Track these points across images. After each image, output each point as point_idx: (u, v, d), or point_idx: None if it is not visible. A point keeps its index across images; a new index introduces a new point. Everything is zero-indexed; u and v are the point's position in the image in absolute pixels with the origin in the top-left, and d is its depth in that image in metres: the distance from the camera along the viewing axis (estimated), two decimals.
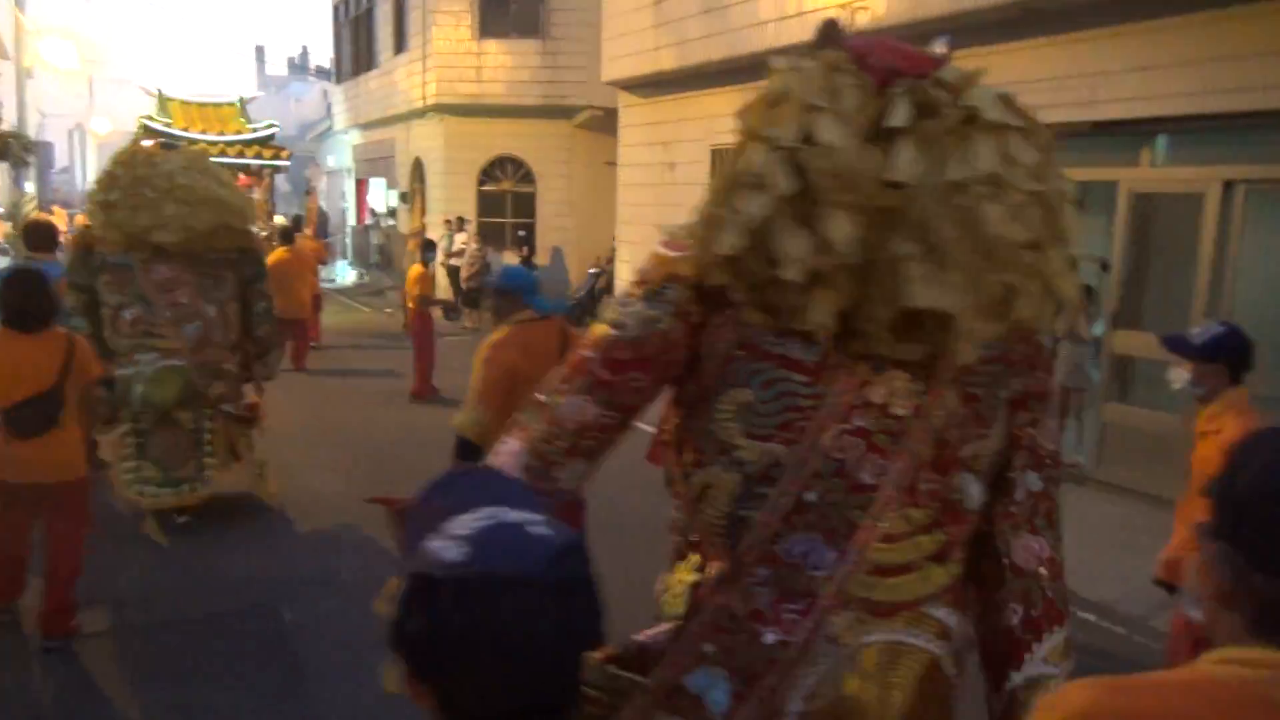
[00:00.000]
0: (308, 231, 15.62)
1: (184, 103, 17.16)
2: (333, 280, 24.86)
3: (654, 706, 1.78)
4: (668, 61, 10.88)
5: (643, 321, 1.82)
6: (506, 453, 1.88)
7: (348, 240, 26.07)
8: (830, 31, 1.84)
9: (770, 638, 1.75)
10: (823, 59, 1.76)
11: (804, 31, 8.03)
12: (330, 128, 27.30)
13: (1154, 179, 6.96)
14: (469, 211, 18.43)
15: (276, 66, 56.49)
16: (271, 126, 16.33)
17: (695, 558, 1.92)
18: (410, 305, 10.49)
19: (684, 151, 11.52)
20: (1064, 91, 7.13)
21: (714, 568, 1.85)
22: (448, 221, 18.13)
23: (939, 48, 1.87)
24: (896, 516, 1.75)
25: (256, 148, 15.99)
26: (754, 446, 1.75)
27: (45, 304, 4.33)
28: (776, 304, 1.70)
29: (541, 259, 18.11)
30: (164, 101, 16.76)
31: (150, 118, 15.59)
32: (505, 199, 18.69)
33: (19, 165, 20.64)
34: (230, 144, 15.79)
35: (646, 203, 12.43)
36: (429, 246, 11.82)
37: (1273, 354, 5.61)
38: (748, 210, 1.68)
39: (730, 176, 1.76)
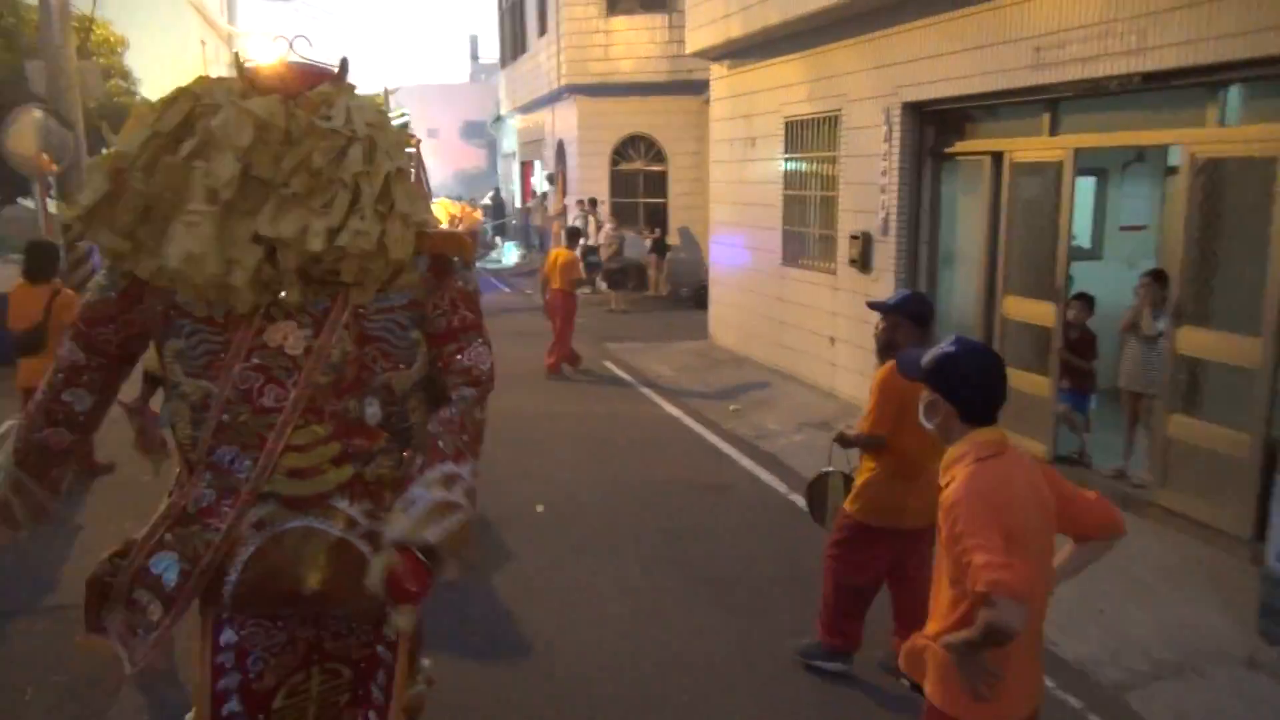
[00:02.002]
0: None
1: None
2: (498, 261, 25.65)
3: (129, 584, 2.38)
4: (736, 29, 10.14)
5: (99, 290, 2.45)
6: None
7: (513, 222, 26.74)
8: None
9: (211, 526, 2.34)
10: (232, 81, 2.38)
11: None
12: (500, 114, 28.02)
13: (1223, 141, 5.62)
14: (602, 192, 18.31)
15: (491, 54, 59.07)
16: (403, 116, 16.82)
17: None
18: (555, 287, 10.66)
19: (761, 125, 10.74)
20: (1107, 39, 5.91)
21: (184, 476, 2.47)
22: (580, 203, 18.09)
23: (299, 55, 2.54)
24: (304, 431, 2.32)
25: None
26: (190, 383, 2.34)
27: (46, 265, 6.41)
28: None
29: (672, 239, 17.73)
30: None
31: None
32: (637, 178, 18.40)
33: None
34: None
35: (733, 180, 11.74)
36: (575, 234, 11.80)
37: None
38: (90, 192, 2.29)
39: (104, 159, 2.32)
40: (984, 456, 2.45)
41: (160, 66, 25.09)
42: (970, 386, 2.50)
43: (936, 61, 7.61)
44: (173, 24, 22.64)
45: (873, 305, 3.93)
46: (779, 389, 10.00)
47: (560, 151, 20.33)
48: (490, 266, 24.70)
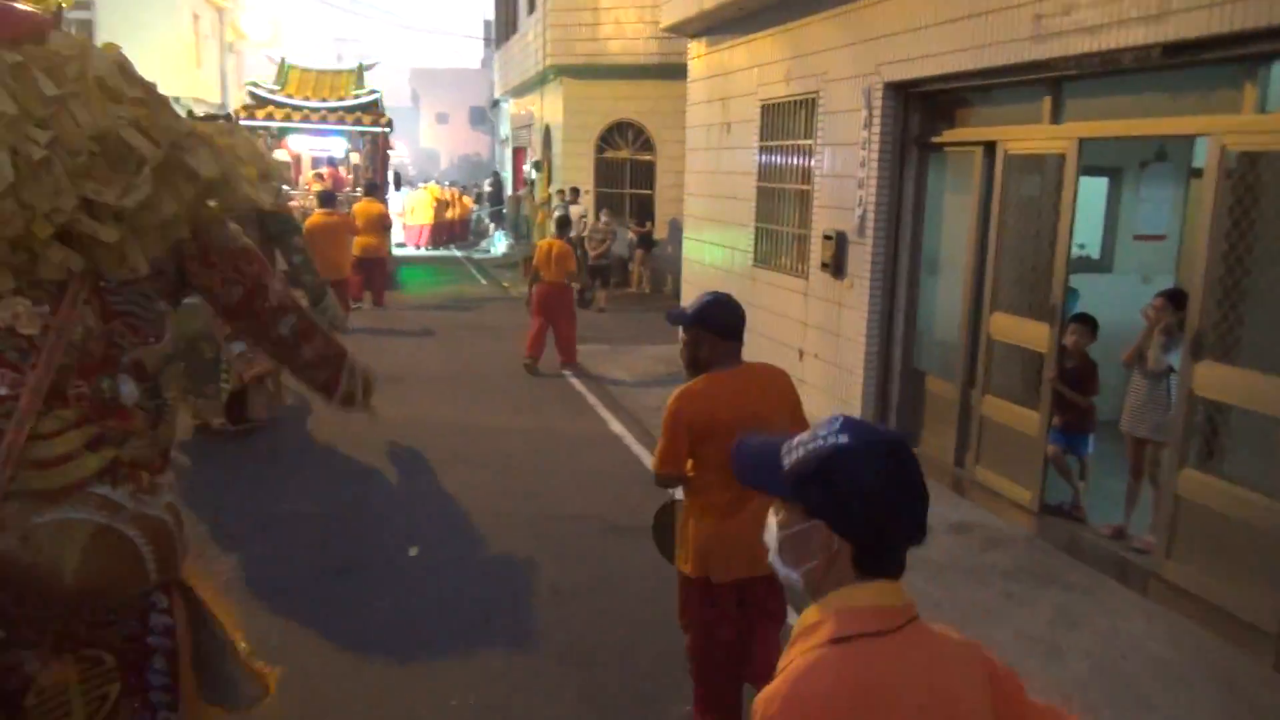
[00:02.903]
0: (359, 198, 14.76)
1: (303, 70, 17.09)
2: (486, 251, 24.63)
3: None
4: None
5: None
6: None
7: (504, 211, 25.69)
8: None
9: None
10: None
11: None
12: (495, 98, 26.97)
13: (1262, 131, 4.47)
14: (587, 181, 17.24)
15: None
16: (373, 93, 15.85)
17: None
18: (549, 279, 10.01)
19: (738, 108, 9.61)
20: (1120, 3, 4.77)
21: None
22: (560, 192, 17.03)
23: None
24: (50, 418, 2.16)
25: (358, 114, 15.55)
26: None
27: None
28: None
29: (660, 232, 16.63)
30: (284, 69, 16.73)
31: (256, 84, 15.54)
32: (624, 167, 17.30)
33: None
34: (332, 110, 15.46)
35: (708, 170, 10.62)
36: (564, 224, 10.93)
37: None
38: None
39: None
40: (848, 636, 1.38)
41: (145, 45, 24.22)
42: (873, 508, 1.43)
43: (922, 34, 6.48)
44: None
45: (670, 318, 3.30)
46: None
47: (547, 137, 19.25)
48: (477, 256, 23.68)
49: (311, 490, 6.33)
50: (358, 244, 13.27)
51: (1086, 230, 7.91)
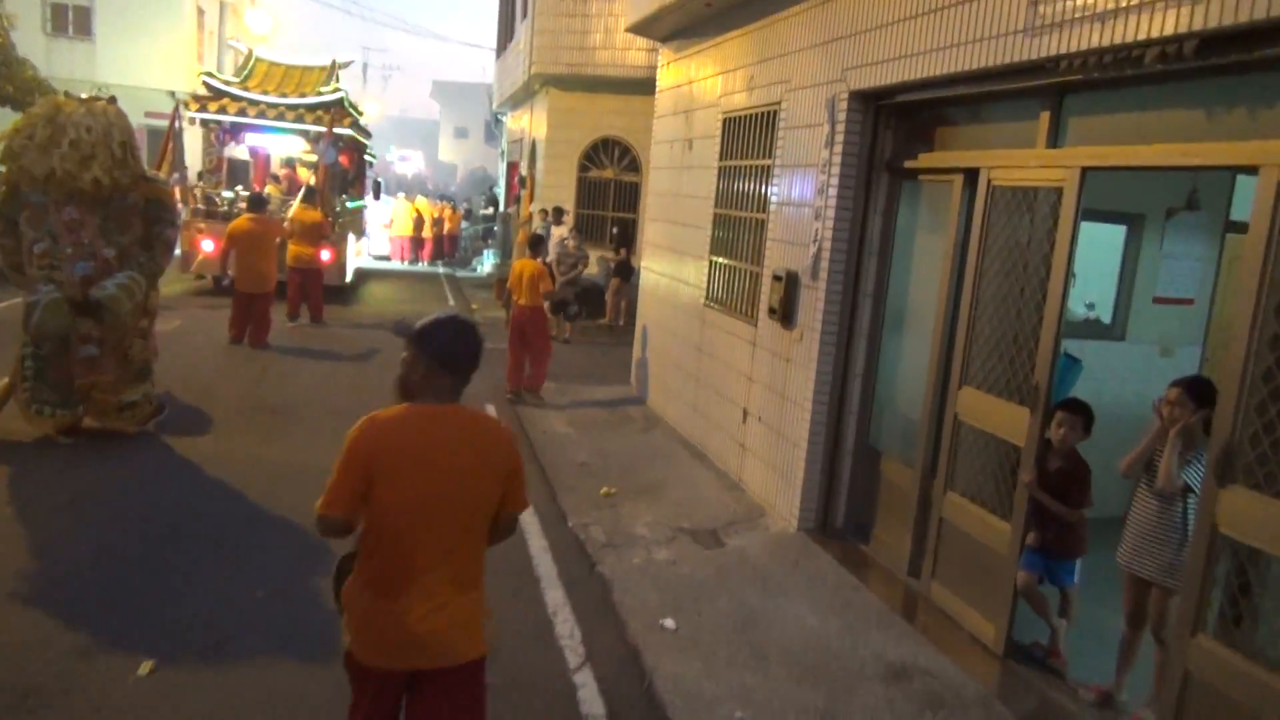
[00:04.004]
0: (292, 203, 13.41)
1: (271, 64, 15.97)
2: (474, 270, 23.44)
3: None
4: None
5: None
6: None
7: (495, 229, 24.50)
8: None
9: None
10: None
11: None
12: (495, 111, 25.85)
13: None
14: (569, 200, 15.97)
15: None
16: (336, 91, 14.67)
17: None
18: (519, 301, 9.31)
19: (700, 122, 8.31)
20: None
21: None
22: (543, 211, 15.76)
23: None
24: None
25: (319, 112, 14.38)
26: None
27: None
28: None
29: (640, 258, 15.29)
30: (251, 61, 15.63)
31: (211, 74, 14.40)
32: (608, 188, 16.03)
33: None
34: (291, 107, 14.29)
35: (669, 191, 9.32)
36: (538, 243, 9.93)
37: None
38: None
39: None
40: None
41: (145, 40, 23.47)
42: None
43: (895, 30, 5.15)
44: None
45: (395, 329, 2.67)
46: (679, 470, 7.51)
47: (534, 153, 18.04)
48: (462, 275, 22.47)
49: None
50: (291, 253, 12.05)
51: (1097, 287, 6.52)
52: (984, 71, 4.48)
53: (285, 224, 11.60)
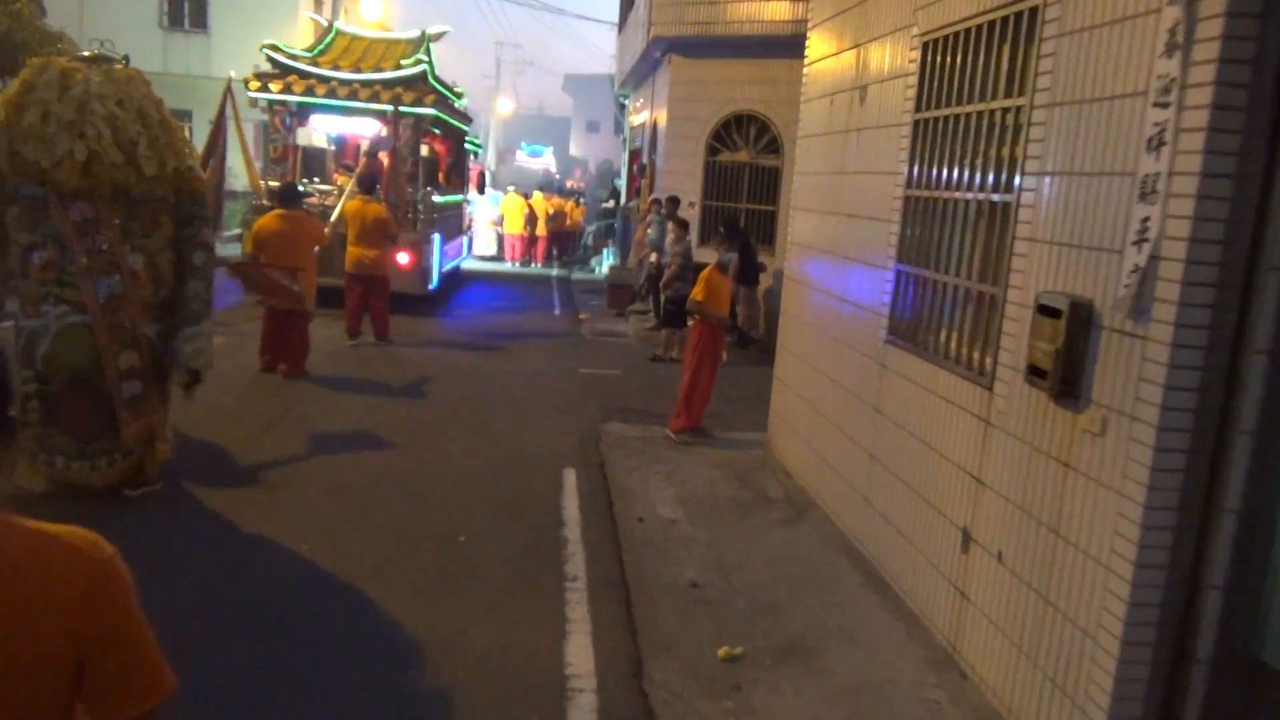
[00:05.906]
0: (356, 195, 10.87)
1: (354, 37, 13.84)
2: (592, 271, 21.13)
3: None
4: None
5: None
6: None
7: (615, 225, 22.02)
8: None
9: None
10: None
11: None
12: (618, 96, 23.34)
13: None
14: (693, 189, 13.25)
15: None
16: (420, 64, 12.36)
17: None
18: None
19: (882, 58, 5.43)
20: None
21: None
22: (655, 203, 13.14)
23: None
24: None
25: (399, 89, 12.12)
26: None
27: None
28: None
29: (779, 260, 12.40)
30: (331, 34, 13.55)
31: (276, 47, 12.32)
32: (741, 174, 13.20)
33: None
34: (365, 84, 12.08)
35: (826, 170, 6.46)
36: (729, 263, 7.87)
37: None
38: None
39: None
40: None
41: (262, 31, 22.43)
42: None
43: None
44: None
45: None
46: (844, 611, 4.68)
47: (654, 136, 15.43)
48: (579, 276, 20.10)
49: None
50: (350, 257, 9.79)
51: None
52: None
53: (327, 226, 9.24)
